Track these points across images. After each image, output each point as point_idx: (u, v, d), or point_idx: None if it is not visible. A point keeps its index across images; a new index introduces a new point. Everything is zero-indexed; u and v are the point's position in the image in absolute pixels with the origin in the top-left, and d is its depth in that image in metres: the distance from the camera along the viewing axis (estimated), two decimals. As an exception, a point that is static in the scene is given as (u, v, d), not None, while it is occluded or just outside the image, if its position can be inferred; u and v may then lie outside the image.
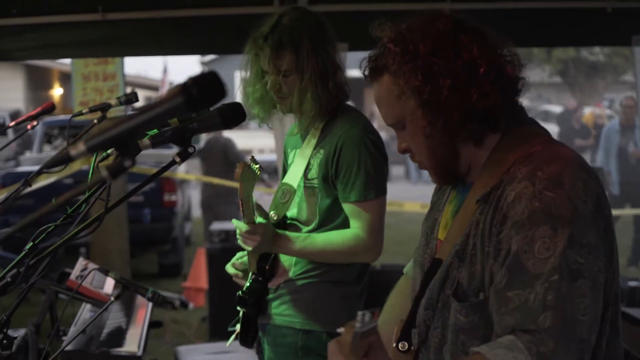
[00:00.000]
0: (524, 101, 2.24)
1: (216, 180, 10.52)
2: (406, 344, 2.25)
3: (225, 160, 11.22)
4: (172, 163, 2.09)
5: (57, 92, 29.78)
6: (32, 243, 2.31)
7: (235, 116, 2.10)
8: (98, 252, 9.21)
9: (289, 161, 3.64)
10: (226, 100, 1.64)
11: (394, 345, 2.27)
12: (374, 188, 3.42)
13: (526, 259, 1.92)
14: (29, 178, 3.76)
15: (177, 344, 7.46)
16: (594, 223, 1.96)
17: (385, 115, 2.19)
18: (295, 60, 3.39)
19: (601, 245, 1.97)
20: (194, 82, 1.39)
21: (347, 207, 3.43)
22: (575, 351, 1.89)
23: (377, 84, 2.17)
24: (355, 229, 3.42)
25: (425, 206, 4.29)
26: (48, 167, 1.47)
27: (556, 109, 30.54)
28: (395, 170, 22.72)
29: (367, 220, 3.42)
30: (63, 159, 1.42)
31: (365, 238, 3.41)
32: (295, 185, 3.49)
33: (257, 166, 3.33)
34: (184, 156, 2.05)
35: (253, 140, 20.28)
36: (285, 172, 3.65)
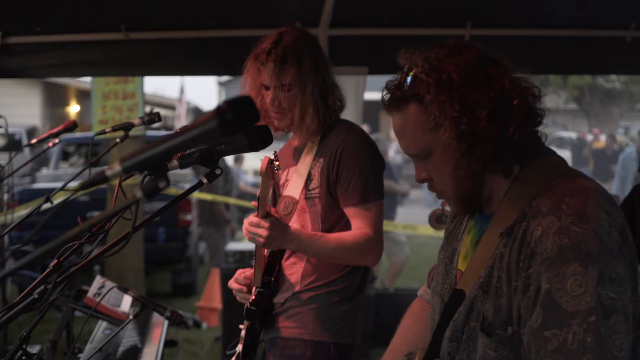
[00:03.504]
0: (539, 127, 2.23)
1: (221, 198, 10.55)
2: None
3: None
4: (200, 184, 2.11)
5: (73, 109, 29.89)
6: (57, 260, 2.33)
7: (263, 139, 2.12)
8: (113, 270, 9.24)
9: (281, 182, 3.67)
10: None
11: None
12: (375, 191, 3.49)
13: (559, 297, 1.92)
14: (51, 195, 3.80)
15: (190, 363, 7.46)
16: (620, 253, 1.97)
17: (408, 145, 2.16)
18: (298, 75, 3.46)
19: (628, 275, 1.97)
20: (228, 106, 1.40)
21: (349, 211, 3.49)
22: None
23: (402, 113, 2.13)
24: (362, 228, 3.46)
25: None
26: (85, 187, 1.48)
27: (571, 135, 30.54)
28: (412, 194, 22.66)
29: (372, 220, 3.48)
30: (99, 179, 1.43)
31: (373, 236, 3.46)
32: (297, 197, 3.53)
33: (277, 164, 3.36)
34: (211, 177, 2.07)
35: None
36: (274, 193, 3.71)
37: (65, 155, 15.09)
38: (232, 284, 3.70)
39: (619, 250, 1.97)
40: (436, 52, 2.11)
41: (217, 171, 2.06)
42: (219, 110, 1.41)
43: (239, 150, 2.11)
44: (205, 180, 2.07)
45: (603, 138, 25.66)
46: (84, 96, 28.00)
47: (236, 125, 1.41)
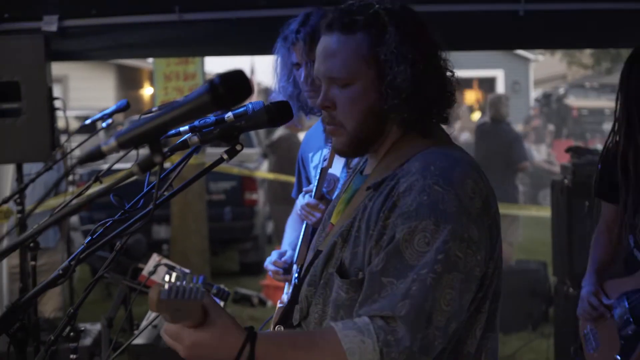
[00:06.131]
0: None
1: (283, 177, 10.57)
2: (282, 327, 2.35)
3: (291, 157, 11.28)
4: (220, 161, 2.12)
5: (147, 91, 30.26)
6: (90, 237, 2.37)
7: (282, 114, 2.13)
8: (177, 250, 9.36)
9: (313, 163, 3.68)
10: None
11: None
12: None
13: (405, 247, 2.02)
14: (100, 175, 3.85)
15: (253, 341, 7.51)
16: (479, 219, 2.08)
17: (333, 67, 2.20)
18: None
19: (484, 240, 2.09)
20: (220, 80, 1.41)
21: None
22: (426, 338, 1.99)
23: (345, 37, 2.18)
24: None
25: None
26: (82, 162, 1.50)
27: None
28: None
29: None
30: (96, 155, 1.45)
31: None
32: (338, 174, 3.53)
33: None
34: (231, 154, 2.08)
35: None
36: (300, 179, 3.80)
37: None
38: (269, 265, 3.70)
39: (478, 217, 2.08)
40: (406, 6, 2.24)
41: (238, 147, 2.07)
42: (211, 84, 1.41)
43: (258, 125, 2.12)
44: (225, 157, 2.09)
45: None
46: (156, 78, 28.25)
47: (228, 100, 1.42)
